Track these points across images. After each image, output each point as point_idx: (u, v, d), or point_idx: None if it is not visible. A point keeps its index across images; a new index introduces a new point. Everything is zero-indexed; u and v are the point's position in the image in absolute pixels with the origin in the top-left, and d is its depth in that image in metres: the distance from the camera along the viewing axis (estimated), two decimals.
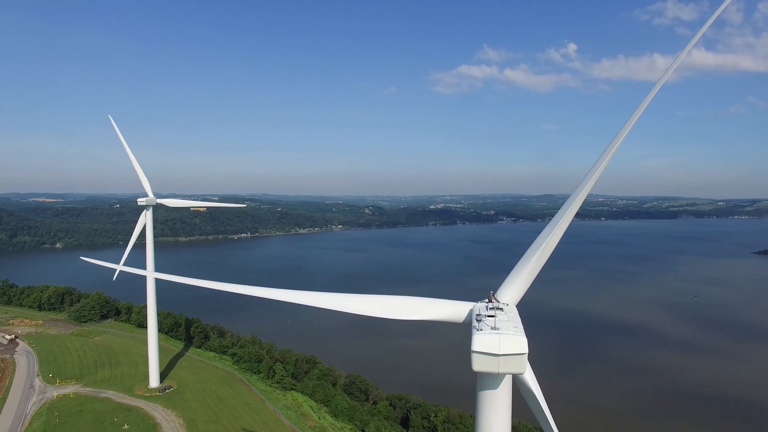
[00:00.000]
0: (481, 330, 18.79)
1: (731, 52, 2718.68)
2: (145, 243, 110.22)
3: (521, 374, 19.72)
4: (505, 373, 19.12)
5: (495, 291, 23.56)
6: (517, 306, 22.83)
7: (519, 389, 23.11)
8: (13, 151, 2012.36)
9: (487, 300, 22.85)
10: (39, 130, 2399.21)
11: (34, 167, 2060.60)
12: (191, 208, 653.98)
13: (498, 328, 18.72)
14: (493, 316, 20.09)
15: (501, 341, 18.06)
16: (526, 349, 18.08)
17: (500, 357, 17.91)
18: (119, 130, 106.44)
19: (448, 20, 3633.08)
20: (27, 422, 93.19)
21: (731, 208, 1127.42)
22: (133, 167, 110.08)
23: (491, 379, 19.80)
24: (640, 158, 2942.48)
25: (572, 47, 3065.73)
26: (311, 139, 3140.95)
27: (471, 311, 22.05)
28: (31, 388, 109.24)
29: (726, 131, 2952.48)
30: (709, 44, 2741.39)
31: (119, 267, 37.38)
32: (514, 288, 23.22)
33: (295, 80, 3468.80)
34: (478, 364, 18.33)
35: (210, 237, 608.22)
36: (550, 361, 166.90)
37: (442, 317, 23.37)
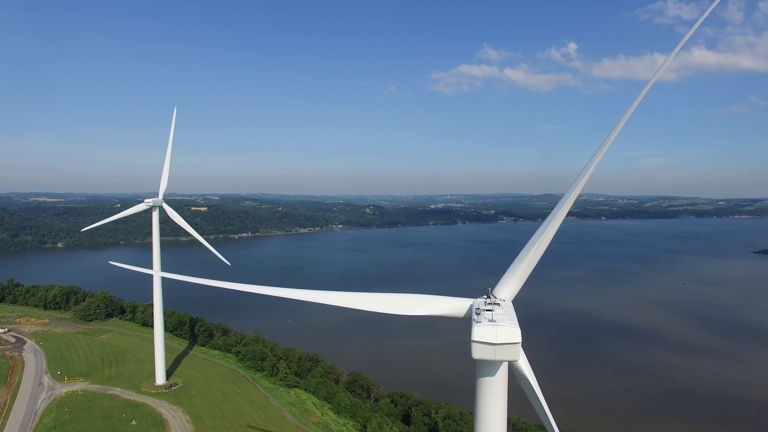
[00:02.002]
0: (480, 322, 21.00)
1: (732, 51, 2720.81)
2: (150, 242, 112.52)
3: (516, 361, 21.85)
4: (502, 360, 21.27)
5: (493, 288, 25.75)
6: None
7: (516, 378, 25.25)
8: (13, 151, 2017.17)
9: (485, 296, 25.06)
10: (39, 130, 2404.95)
11: (35, 167, 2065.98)
12: (192, 208, 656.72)
13: (495, 321, 20.94)
14: (491, 310, 22.29)
15: (498, 332, 20.26)
16: (519, 339, 20.31)
17: (497, 346, 20.13)
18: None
19: (448, 20, 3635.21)
20: (37, 418, 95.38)
21: (732, 208, 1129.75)
22: (162, 165, 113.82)
23: (489, 367, 21.97)
24: (641, 158, 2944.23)
25: (572, 46, 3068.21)
26: (311, 139, 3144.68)
27: (471, 306, 24.25)
28: (40, 385, 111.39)
29: (727, 131, 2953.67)
30: (710, 43, 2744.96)
31: (145, 271, 39.45)
32: (510, 285, 25.49)
33: (295, 80, 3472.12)
34: (478, 353, 20.54)
35: (211, 236, 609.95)
36: (551, 360, 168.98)
37: (445, 312, 25.58)
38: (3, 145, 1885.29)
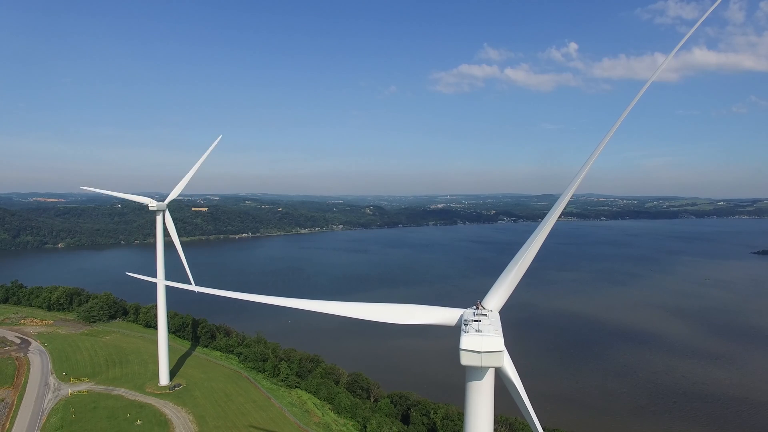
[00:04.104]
0: (467, 332, 23.16)
1: (733, 51, 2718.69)
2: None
3: (500, 367, 24.00)
4: (487, 367, 23.39)
5: (482, 299, 27.89)
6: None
7: (503, 381, 27.32)
8: (13, 151, 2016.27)
9: (474, 307, 27.19)
10: (39, 130, 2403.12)
11: (35, 167, 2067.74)
12: (193, 208, 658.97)
13: (481, 331, 23.08)
14: (478, 321, 24.41)
15: (483, 341, 22.44)
16: (502, 347, 22.48)
17: (482, 353, 22.27)
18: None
19: (449, 20, 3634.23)
20: (44, 418, 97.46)
21: (732, 208, 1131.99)
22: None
23: (476, 372, 24.13)
24: (641, 158, 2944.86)
25: (573, 46, 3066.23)
26: (311, 139, 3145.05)
27: (461, 316, 26.38)
28: (46, 386, 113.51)
29: (727, 131, 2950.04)
30: (710, 43, 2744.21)
31: (162, 281, 41.48)
32: (497, 297, 27.69)
33: (295, 80, 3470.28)
34: (465, 359, 22.74)
35: (211, 237, 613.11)
36: (550, 361, 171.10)
37: (438, 321, 27.77)
38: (3, 145, 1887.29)
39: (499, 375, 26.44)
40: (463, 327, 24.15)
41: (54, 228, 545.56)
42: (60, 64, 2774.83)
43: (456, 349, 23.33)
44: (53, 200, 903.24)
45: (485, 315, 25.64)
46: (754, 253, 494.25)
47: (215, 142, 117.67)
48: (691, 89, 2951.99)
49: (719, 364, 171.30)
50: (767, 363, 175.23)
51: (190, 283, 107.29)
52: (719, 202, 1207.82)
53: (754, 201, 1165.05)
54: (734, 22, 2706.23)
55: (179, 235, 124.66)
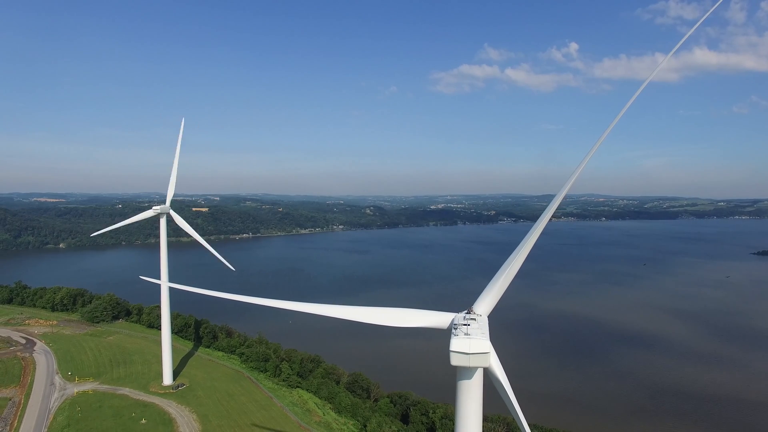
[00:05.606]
0: (457, 335, 25.21)
1: (734, 51, 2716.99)
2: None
3: (487, 367, 26.09)
4: (475, 367, 25.42)
5: (473, 304, 29.94)
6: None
7: (492, 381, 29.30)
8: (13, 151, 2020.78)
9: (465, 311, 29.24)
10: (39, 130, 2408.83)
11: (35, 167, 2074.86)
12: (193, 209, 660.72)
13: (469, 334, 25.13)
14: (467, 324, 26.45)
15: (471, 343, 24.53)
16: (488, 349, 24.55)
17: (470, 355, 24.31)
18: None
19: (449, 20, 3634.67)
20: (51, 416, 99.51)
21: (732, 209, 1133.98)
22: (168, 170, 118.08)
23: (466, 372, 26.18)
24: (641, 158, 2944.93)
25: (574, 47, 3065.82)
26: (312, 139, 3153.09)
27: (452, 320, 28.45)
28: (51, 385, 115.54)
29: (728, 131, 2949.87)
30: (711, 43, 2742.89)
31: (165, 283, 43.44)
32: (486, 302, 29.78)
33: (295, 80, 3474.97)
34: (455, 360, 24.84)
35: (212, 237, 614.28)
36: (550, 362, 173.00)
37: (430, 325, 29.86)
38: (3, 145, 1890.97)
39: (488, 375, 28.44)
40: (453, 330, 26.20)
41: (55, 228, 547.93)
42: (59, 64, 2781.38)
43: (449, 351, 25.33)
44: (54, 200, 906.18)
45: (474, 319, 27.70)
46: (754, 253, 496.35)
47: (182, 127, 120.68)
48: (692, 89, 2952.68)
49: (718, 365, 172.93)
50: (766, 364, 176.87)
51: (231, 269, 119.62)
52: (719, 203, 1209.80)
53: (755, 201, 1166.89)
54: (735, 23, 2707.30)
55: (180, 236, 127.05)
